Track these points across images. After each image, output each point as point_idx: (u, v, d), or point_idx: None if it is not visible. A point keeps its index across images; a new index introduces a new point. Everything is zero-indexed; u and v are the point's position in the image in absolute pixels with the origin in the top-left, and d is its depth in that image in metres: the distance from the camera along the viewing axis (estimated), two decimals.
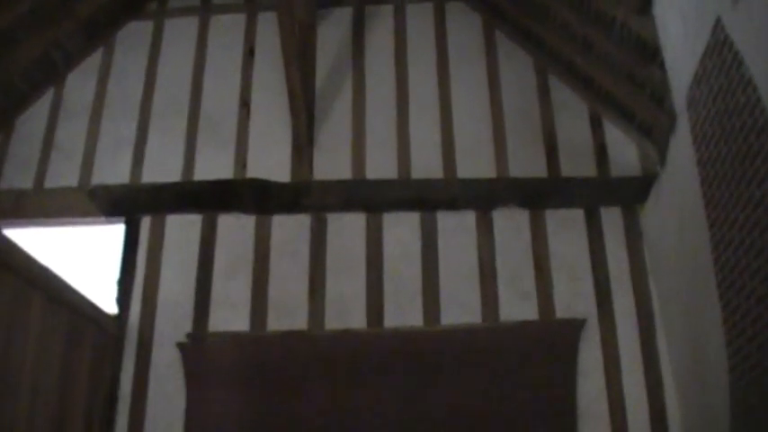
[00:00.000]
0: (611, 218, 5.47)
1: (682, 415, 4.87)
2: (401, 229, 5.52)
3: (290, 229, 5.57)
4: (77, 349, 4.75)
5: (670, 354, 5.02)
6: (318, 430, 4.98)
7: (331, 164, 5.76)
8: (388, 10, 6.31)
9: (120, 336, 5.28)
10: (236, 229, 5.59)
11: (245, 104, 6.03)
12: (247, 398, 5.09)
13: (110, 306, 5.30)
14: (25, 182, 5.84)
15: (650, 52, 4.81)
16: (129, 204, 5.65)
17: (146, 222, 5.62)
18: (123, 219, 5.65)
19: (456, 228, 5.50)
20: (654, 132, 5.10)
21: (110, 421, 5.10)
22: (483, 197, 5.54)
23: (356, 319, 5.29)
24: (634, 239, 5.40)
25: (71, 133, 6.04)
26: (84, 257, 5.69)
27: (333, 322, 5.30)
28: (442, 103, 5.93)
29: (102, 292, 5.32)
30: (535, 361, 5.05)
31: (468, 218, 5.53)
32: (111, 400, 5.14)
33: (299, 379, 5.10)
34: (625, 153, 5.61)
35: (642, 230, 5.40)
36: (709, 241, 4.13)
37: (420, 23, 6.23)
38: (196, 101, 6.08)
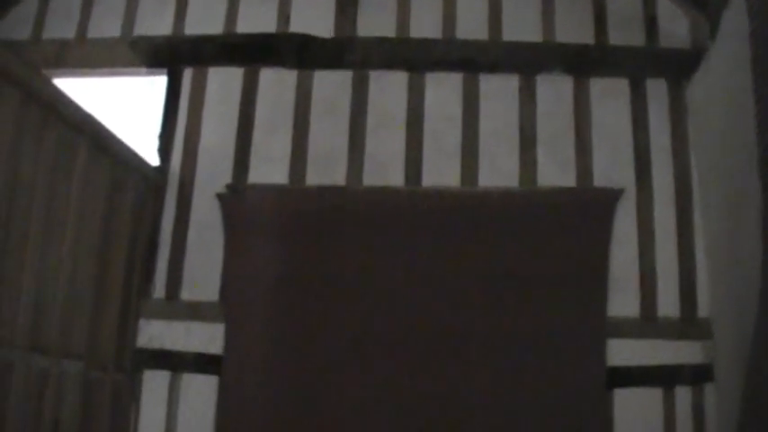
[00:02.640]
0: (657, 90, 5.36)
1: (712, 290, 4.92)
2: (443, 89, 5.47)
3: (331, 86, 5.54)
4: (120, 197, 4.85)
5: (705, 229, 5.03)
6: (353, 282, 5.10)
7: (375, 21, 5.66)
8: None
9: (162, 186, 5.38)
10: (277, 83, 5.57)
11: None
12: (284, 249, 5.20)
13: (152, 157, 5.38)
14: (68, 32, 5.82)
15: None
16: (171, 56, 5.64)
17: (187, 74, 5.61)
18: (165, 70, 5.65)
19: (498, 91, 5.44)
20: (707, 4, 4.95)
21: (150, 267, 5.27)
22: (527, 61, 5.46)
23: (394, 177, 5.33)
24: (678, 113, 5.31)
25: None
26: (126, 109, 5.74)
27: (371, 179, 5.34)
28: None
29: (144, 143, 5.38)
30: (570, 227, 5.09)
31: (511, 82, 5.45)
32: (152, 246, 5.29)
33: (336, 233, 5.19)
34: (675, 24, 5.44)
35: (687, 104, 5.30)
36: (754, 118, 4.06)
37: None
38: None
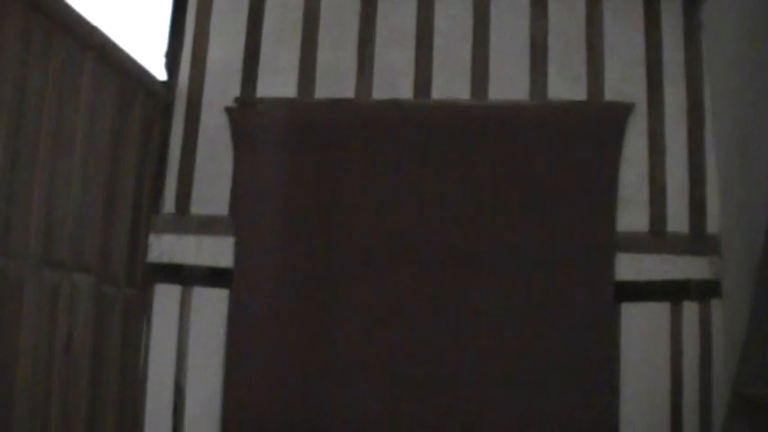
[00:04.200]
0: (671, 5, 5.23)
1: (721, 207, 4.91)
2: (453, 2, 5.37)
3: None
4: (128, 112, 4.83)
5: (716, 149, 4.98)
6: (362, 195, 5.14)
7: None
8: None
9: (170, 100, 5.35)
10: None
11: None
12: (293, 162, 5.21)
13: (159, 72, 5.34)
14: None
15: None
16: None
17: None
18: None
19: (509, 4, 5.34)
20: None
21: (160, 181, 5.29)
22: None
23: (403, 90, 5.28)
24: (692, 30, 5.19)
25: None
26: (133, 25, 5.66)
27: (380, 92, 5.30)
28: None
29: (151, 59, 5.32)
30: (580, 142, 5.06)
31: None
32: (161, 161, 5.30)
33: (345, 146, 5.20)
34: None
35: (701, 20, 5.19)
36: None
37: None
38: None
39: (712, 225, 4.96)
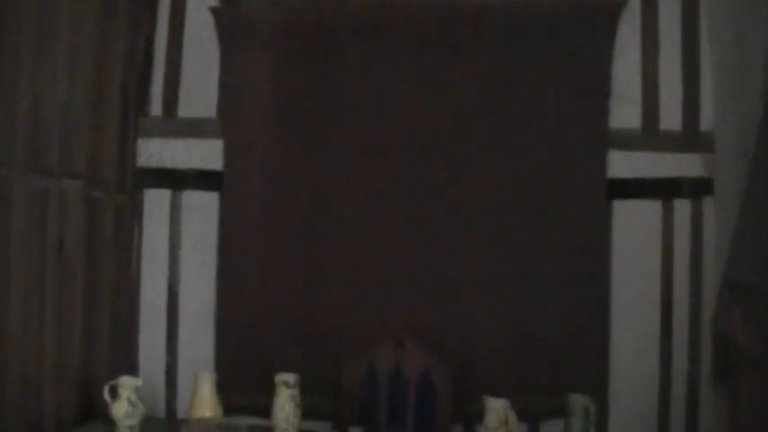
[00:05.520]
0: None
1: (715, 104, 4.87)
2: None
3: None
4: (112, 12, 4.72)
5: (711, 41, 4.90)
6: (352, 94, 5.08)
7: None
8: None
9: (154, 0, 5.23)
10: None
11: None
12: (281, 62, 5.15)
13: None
14: None
15: None
16: None
17: None
18: None
19: None
20: None
21: (146, 83, 5.20)
22: None
23: None
24: None
25: None
26: None
27: None
28: None
29: None
30: (572, 38, 4.99)
31: None
32: (147, 63, 5.19)
33: (334, 45, 5.12)
34: None
35: None
36: None
37: None
38: None
39: (706, 122, 4.92)
